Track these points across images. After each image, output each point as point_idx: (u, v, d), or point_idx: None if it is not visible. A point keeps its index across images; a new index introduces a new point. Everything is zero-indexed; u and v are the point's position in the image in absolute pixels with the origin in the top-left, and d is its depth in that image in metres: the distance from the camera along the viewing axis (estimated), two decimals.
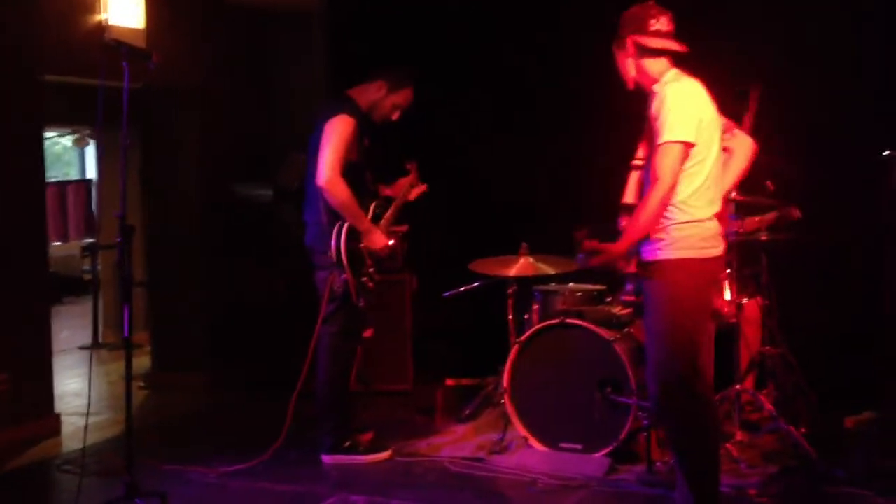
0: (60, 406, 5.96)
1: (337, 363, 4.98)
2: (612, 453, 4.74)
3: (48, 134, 11.60)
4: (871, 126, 5.40)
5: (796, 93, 4.84)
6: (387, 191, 5.26)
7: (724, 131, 3.97)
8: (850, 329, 5.40)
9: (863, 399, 5.09)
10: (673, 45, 3.76)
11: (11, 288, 5.51)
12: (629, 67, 3.85)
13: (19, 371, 5.52)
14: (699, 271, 3.70)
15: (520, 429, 5.01)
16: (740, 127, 4.07)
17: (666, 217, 3.66)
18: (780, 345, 4.98)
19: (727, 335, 4.90)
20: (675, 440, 3.79)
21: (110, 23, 5.97)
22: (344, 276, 4.82)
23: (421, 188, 5.33)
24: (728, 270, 4.78)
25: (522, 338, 5.07)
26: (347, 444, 4.98)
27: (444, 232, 6.70)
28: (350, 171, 4.83)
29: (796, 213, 4.80)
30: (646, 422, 4.61)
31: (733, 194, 4.65)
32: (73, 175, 14.41)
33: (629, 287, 4.79)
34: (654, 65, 3.79)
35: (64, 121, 10.70)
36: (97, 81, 4.10)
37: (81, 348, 8.75)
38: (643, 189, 3.80)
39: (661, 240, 3.68)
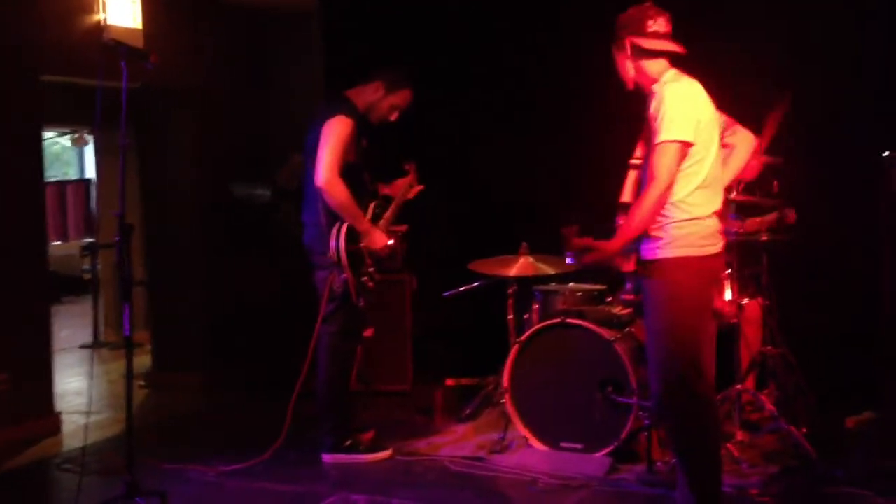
0: (61, 405, 5.97)
1: (337, 363, 4.98)
2: (613, 453, 4.73)
3: (47, 134, 11.60)
4: (871, 126, 5.39)
5: (797, 92, 4.83)
6: (385, 190, 5.25)
7: (725, 128, 3.98)
8: (850, 329, 5.39)
9: (863, 399, 5.09)
10: (671, 46, 3.76)
11: (11, 287, 5.52)
12: (628, 68, 3.85)
13: (19, 370, 5.52)
14: (699, 269, 3.70)
15: (520, 428, 5.01)
16: (743, 124, 4.06)
17: (665, 216, 3.66)
18: (781, 345, 4.98)
19: (728, 335, 4.90)
20: (677, 440, 3.79)
21: (108, 23, 5.97)
22: (344, 275, 4.81)
23: (418, 188, 5.33)
24: (729, 271, 4.78)
25: (522, 337, 5.07)
26: (348, 443, 4.99)
27: (443, 232, 6.70)
28: (348, 171, 4.83)
29: (792, 216, 4.80)
30: (646, 421, 4.61)
31: (733, 194, 4.66)
32: (72, 175, 14.41)
33: (629, 286, 4.78)
34: (653, 65, 3.79)
35: (63, 121, 10.69)
36: (96, 81, 4.10)
37: (82, 347, 8.76)
38: (641, 188, 3.80)
39: (661, 238, 3.68)
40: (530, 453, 4.92)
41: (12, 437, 5.39)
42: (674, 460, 3.96)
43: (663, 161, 3.60)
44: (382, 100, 5.02)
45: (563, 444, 4.89)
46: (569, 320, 4.94)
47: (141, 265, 7.85)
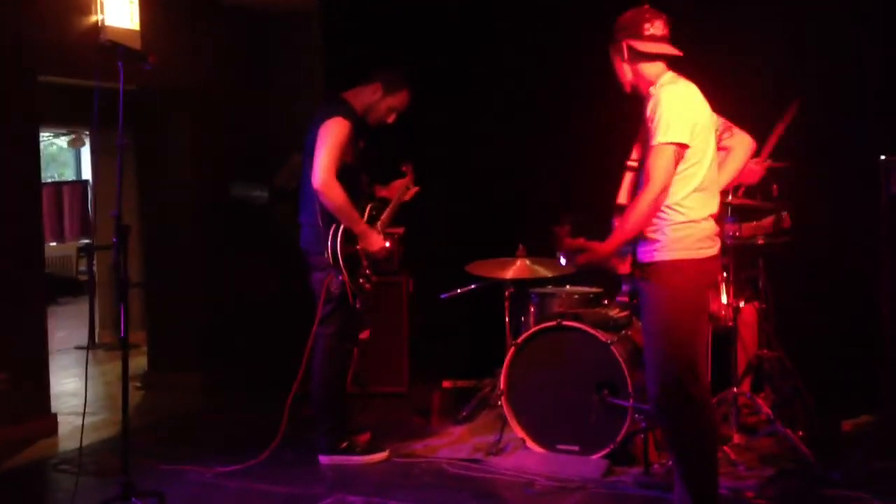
0: (57, 406, 5.96)
1: (333, 364, 4.98)
2: (610, 455, 4.73)
3: (43, 134, 11.58)
4: (870, 127, 5.40)
5: (796, 93, 4.84)
6: (382, 192, 5.25)
7: (723, 131, 3.97)
8: (849, 330, 5.40)
9: (862, 401, 5.10)
10: (668, 49, 3.76)
11: (7, 288, 5.51)
12: (625, 71, 3.85)
13: (15, 371, 5.51)
14: (696, 272, 3.69)
15: (517, 430, 5.00)
16: (742, 128, 4.06)
17: (662, 218, 3.66)
18: (777, 348, 4.98)
19: (724, 338, 4.91)
20: (673, 442, 3.79)
21: (106, 24, 5.96)
22: (340, 277, 4.81)
23: (414, 190, 5.33)
24: (725, 274, 4.78)
25: (519, 340, 5.07)
26: (344, 444, 4.98)
27: (441, 233, 6.70)
28: (345, 173, 4.82)
29: (787, 220, 4.80)
30: (643, 424, 4.61)
31: (730, 197, 4.66)
32: (69, 176, 14.39)
33: (625, 288, 4.78)
34: (650, 68, 3.79)
35: (59, 121, 10.69)
36: (93, 82, 4.10)
37: (78, 348, 8.74)
38: (637, 190, 3.80)
39: (657, 241, 3.67)
40: (527, 455, 4.92)
41: (8, 438, 5.38)
42: (670, 462, 3.96)
43: (659, 163, 3.60)
44: (380, 101, 5.01)
45: (559, 447, 4.89)
46: (565, 323, 4.94)
47: (138, 266, 7.87)
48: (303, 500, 4.47)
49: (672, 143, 3.59)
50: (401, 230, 5.81)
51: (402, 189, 5.26)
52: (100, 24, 5.95)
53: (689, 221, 3.66)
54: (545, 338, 5.00)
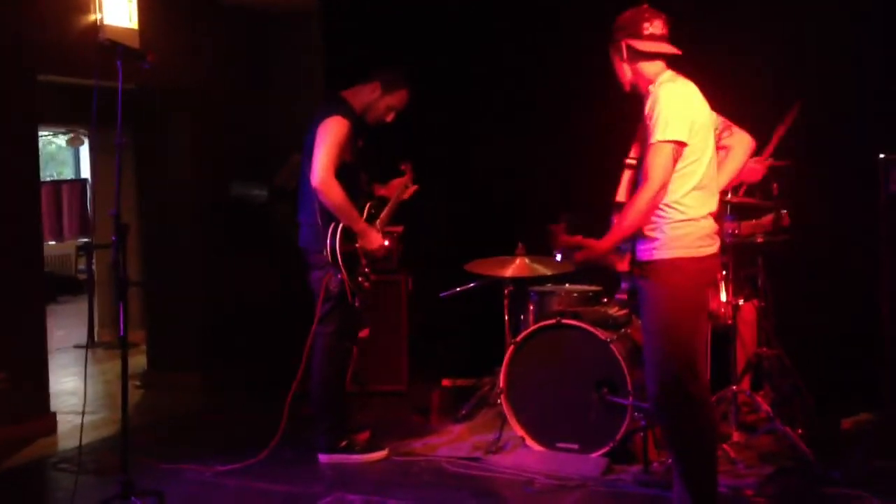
0: (56, 405, 5.96)
1: (332, 363, 4.98)
2: (609, 453, 4.74)
3: (42, 133, 11.58)
4: (870, 127, 5.40)
5: (796, 93, 4.84)
6: (381, 191, 5.25)
7: (722, 130, 3.98)
8: (846, 330, 5.40)
9: (862, 400, 5.10)
10: (667, 48, 3.76)
11: (6, 287, 5.51)
12: (625, 71, 3.85)
13: (14, 370, 5.51)
14: (695, 270, 3.69)
15: (516, 429, 5.01)
16: (742, 127, 4.06)
17: (661, 216, 3.66)
18: (777, 346, 4.99)
19: (724, 336, 4.91)
20: (673, 440, 3.79)
21: (105, 23, 5.96)
22: (339, 276, 4.81)
23: (413, 188, 5.33)
24: (725, 272, 4.78)
25: (519, 338, 5.07)
26: (344, 443, 4.98)
27: (441, 232, 6.70)
28: (344, 172, 4.82)
29: (786, 219, 4.81)
30: (643, 422, 4.61)
31: (730, 196, 4.67)
32: (68, 174, 14.38)
33: (624, 286, 4.79)
34: (649, 67, 3.79)
35: (58, 120, 10.68)
36: (92, 81, 4.10)
37: (77, 347, 8.74)
38: (635, 188, 3.80)
39: (657, 239, 3.67)
40: (526, 454, 4.92)
41: (8, 437, 5.38)
42: (670, 461, 3.96)
43: (657, 161, 3.60)
44: (379, 100, 5.02)
45: (559, 445, 4.89)
46: (565, 321, 4.94)
47: (137, 265, 7.87)
48: (302, 498, 4.47)
49: (670, 141, 3.59)
50: (400, 229, 5.82)
51: (400, 188, 5.26)
52: (98, 23, 5.95)
53: (689, 220, 3.66)
54: (544, 336, 5.00)
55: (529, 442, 4.98)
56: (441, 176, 6.22)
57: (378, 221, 5.05)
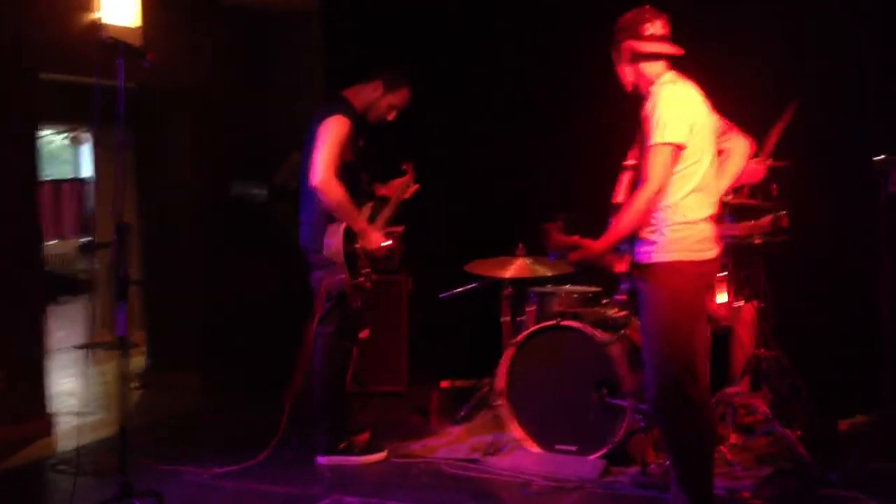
0: (55, 405, 5.95)
1: (332, 364, 4.98)
2: (607, 455, 4.72)
3: (43, 132, 11.57)
4: (870, 127, 5.39)
5: (796, 93, 4.84)
6: (382, 191, 5.25)
7: (722, 133, 3.97)
8: (846, 331, 5.40)
9: (862, 400, 5.09)
10: (668, 49, 3.76)
11: (6, 287, 5.50)
12: (626, 72, 3.85)
13: (13, 370, 5.49)
14: (694, 274, 3.69)
15: (515, 430, 5.00)
16: (741, 130, 4.06)
17: (660, 219, 3.66)
18: (775, 348, 4.98)
19: (722, 338, 4.90)
20: (671, 442, 3.79)
21: (105, 21, 5.96)
22: (340, 276, 4.81)
23: (414, 188, 5.33)
24: (723, 273, 4.77)
25: (518, 339, 5.06)
26: (343, 444, 4.98)
27: (440, 233, 6.69)
28: (345, 171, 4.82)
29: (785, 220, 4.80)
30: (642, 424, 4.60)
31: (729, 197, 4.66)
32: (69, 174, 14.37)
33: (623, 287, 4.78)
34: (651, 68, 3.79)
35: (59, 119, 10.67)
36: (93, 80, 4.09)
37: (76, 348, 8.73)
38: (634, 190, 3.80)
39: (655, 242, 3.67)
40: (524, 455, 4.92)
41: (6, 438, 5.36)
42: (667, 463, 3.96)
43: (656, 163, 3.60)
44: (381, 99, 5.01)
45: (557, 447, 4.89)
46: (564, 322, 4.94)
47: (137, 265, 7.86)
48: (301, 500, 4.47)
49: (669, 144, 3.59)
50: (401, 229, 5.80)
51: (401, 187, 5.25)
52: (99, 21, 5.94)
53: (687, 223, 3.66)
54: (544, 337, 5.00)
55: (528, 444, 4.96)
56: (441, 176, 6.21)
57: (379, 221, 5.05)
